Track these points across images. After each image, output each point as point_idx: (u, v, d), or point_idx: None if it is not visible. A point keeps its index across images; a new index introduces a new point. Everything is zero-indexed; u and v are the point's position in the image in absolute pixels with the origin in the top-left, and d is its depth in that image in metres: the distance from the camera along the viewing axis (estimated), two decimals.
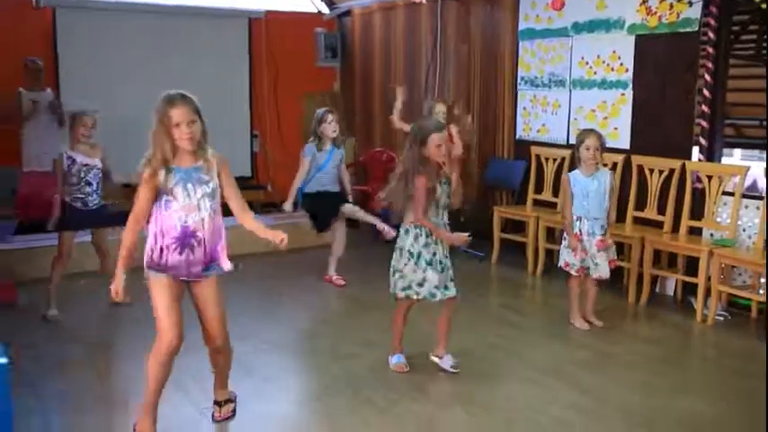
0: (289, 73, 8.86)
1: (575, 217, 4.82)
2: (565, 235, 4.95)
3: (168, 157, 3.03)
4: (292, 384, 4.14)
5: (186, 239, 3.10)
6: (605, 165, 5.09)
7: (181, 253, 3.11)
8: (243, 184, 8.83)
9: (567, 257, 4.90)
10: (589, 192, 4.75)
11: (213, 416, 3.51)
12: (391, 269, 4.07)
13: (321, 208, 5.88)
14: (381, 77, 8.79)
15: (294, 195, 5.84)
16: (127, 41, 7.92)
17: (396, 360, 4.17)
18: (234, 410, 3.55)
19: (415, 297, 4.01)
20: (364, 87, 9.12)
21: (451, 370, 4.12)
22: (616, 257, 5.02)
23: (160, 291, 3.12)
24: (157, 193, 3.07)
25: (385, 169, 8.47)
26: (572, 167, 6.27)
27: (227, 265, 3.26)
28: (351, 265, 6.27)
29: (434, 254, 3.97)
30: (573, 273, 4.89)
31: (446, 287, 4.00)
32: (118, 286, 3.09)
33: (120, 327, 5.00)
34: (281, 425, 3.61)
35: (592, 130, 4.84)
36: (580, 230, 4.81)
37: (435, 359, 4.19)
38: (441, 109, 6.09)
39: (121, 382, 4.13)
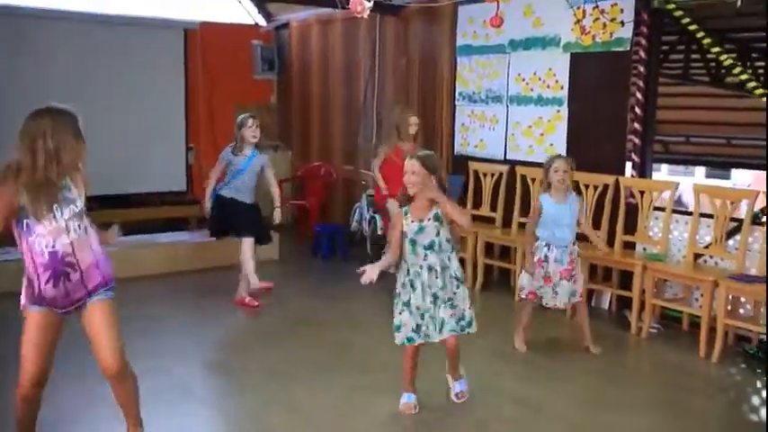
0: (225, 85, 8.73)
1: (542, 243, 4.69)
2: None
3: (39, 178, 2.78)
4: (231, 405, 4.03)
5: (57, 266, 2.84)
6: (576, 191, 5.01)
7: (55, 284, 2.85)
8: (177, 199, 8.73)
9: (522, 280, 4.80)
10: (560, 218, 4.64)
11: None
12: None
13: (226, 214, 5.60)
14: (319, 91, 8.74)
15: (209, 199, 5.61)
16: (57, 51, 7.66)
17: (404, 400, 3.89)
18: None
19: (397, 342, 3.81)
20: (302, 100, 9.06)
21: (453, 398, 4.00)
22: (580, 292, 4.77)
23: (31, 330, 2.89)
24: (17, 216, 2.80)
25: (323, 183, 8.45)
26: (510, 184, 6.39)
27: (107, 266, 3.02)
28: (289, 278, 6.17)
29: (410, 297, 3.73)
30: (522, 296, 4.82)
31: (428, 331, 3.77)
32: None
33: None
34: None
35: (560, 155, 4.80)
36: (546, 256, 4.67)
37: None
38: (414, 121, 6.05)
39: None
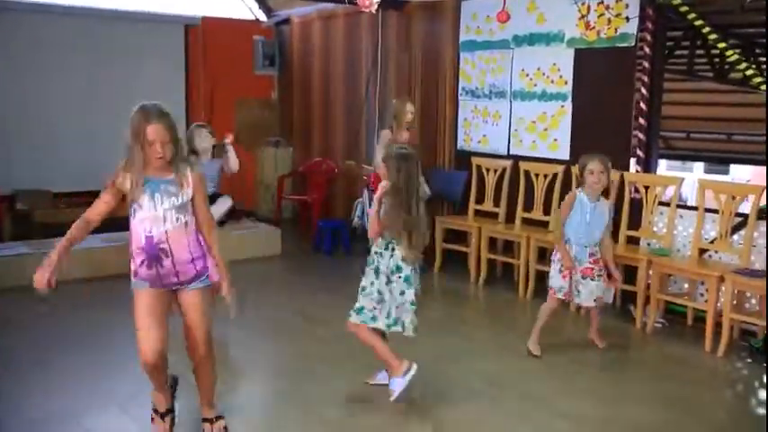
0: (226, 81, 8.72)
1: (564, 237, 4.63)
2: (555, 258, 4.70)
3: (139, 169, 2.98)
4: (240, 398, 4.04)
5: (152, 251, 3.04)
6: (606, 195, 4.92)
7: (150, 267, 3.06)
8: None
9: (555, 281, 4.65)
10: (590, 218, 4.55)
11: None
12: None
13: None
14: (320, 86, 8.73)
15: None
16: (60, 46, 7.67)
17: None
18: (226, 428, 3.41)
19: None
20: (303, 96, 9.05)
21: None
22: (603, 295, 4.74)
23: (139, 305, 3.08)
24: (129, 201, 3.04)
25: (324, 179, 8.44)
26: (513, 180, 6.40)
27: (215, 276, 3.20)
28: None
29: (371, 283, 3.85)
30: (560, 296, 4.65)
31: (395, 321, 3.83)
32: (42, 272, 2.91)
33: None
34: None
35: (595, 155, 4.57)
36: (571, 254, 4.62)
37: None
38: (411, 109, 6.06)
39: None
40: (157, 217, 3.03)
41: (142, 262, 3.06)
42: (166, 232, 3.04)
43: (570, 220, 4.58)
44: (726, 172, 17.16)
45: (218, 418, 3.41)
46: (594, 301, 4.67)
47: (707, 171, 17.93)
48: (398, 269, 3.83)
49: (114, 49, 7.96)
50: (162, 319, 3.10)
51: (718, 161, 14.32)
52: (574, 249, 4.60)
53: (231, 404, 3.71)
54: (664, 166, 16.69)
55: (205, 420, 3.39)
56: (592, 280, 4.61)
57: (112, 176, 3.03)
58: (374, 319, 3.82)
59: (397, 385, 3.79)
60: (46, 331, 4.95)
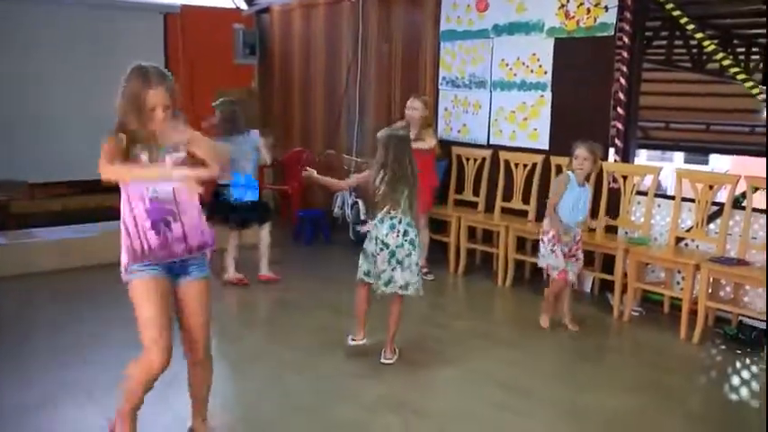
0: (206, 70, 8.63)
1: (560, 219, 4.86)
2: (545, 237, 4.89)
3: (138, 132, 2.72)
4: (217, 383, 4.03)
5: (158, 214, 2.77)
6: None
7: (157, 232, 2.76)
8: None
9: (549, 260, 4.86)
10: (577, 201, 4.80)
11: None
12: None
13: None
14: (301, 76, 8.70)
15: None
16: (34, 34, 7.56)
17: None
18: None
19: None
20: (283, 86, 9.01)
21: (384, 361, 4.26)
22: (574, 278, 5.01)
23: (143, 297, 2.77)
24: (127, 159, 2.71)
25: (305, 168, 8.39)
26: (493, 169, 6.42)
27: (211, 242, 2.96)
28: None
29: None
30: (555, 276, 4.85)
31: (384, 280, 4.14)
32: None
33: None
34: None
35: (584, 142, 4.84)
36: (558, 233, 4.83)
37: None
38: (414, 105, 5.98)
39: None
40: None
41: (148, 228, 2.75)
42: (174, 190, 2.77)
43: (562, 202, 4.82)
44: (705, 162, 17.32)
45: None
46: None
47: (686, 161, 18.10)
48: (405, 233, 4.12)
49: (91, 37, 7.86)
50: (168, 313, 2.82)
51: (697, 151, 14.44)
52: (562, 229, 4.83)
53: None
54: (644, 156, 16.82)
55: None
56: (572, 262, 4.87)
57: (109, 154, 2.67)
58: (367, 274, 4.22)
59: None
60: (20, 321, 4.92)
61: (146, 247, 2.78)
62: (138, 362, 2.80)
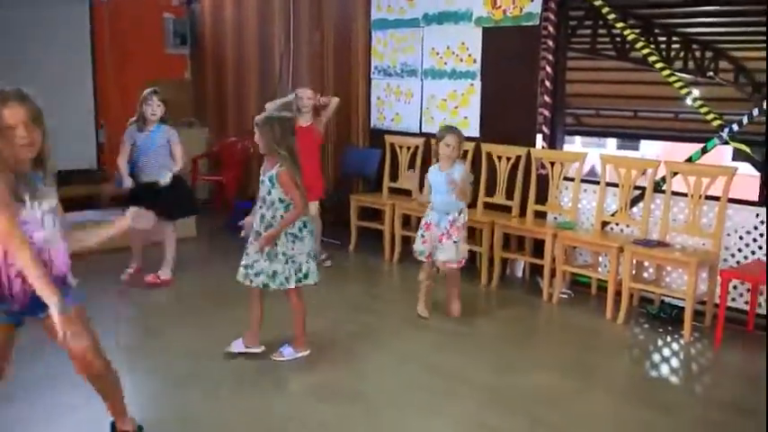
0: (136, 60, 8.48)
1: (429, 208, 4.93)
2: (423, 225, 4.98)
3: (9, 162, 2.55)
4: (143, 381, 3.99)
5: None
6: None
7: (24, 280, 2.58)
8: (89, 177, 8.44)
9: (415, 245, 4.99)
10: (440, 185, 4.80)
11: None
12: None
13: (149, 201, 5.42)
14: (234, 65, 8.61)
15: (126, 172, 5.42)
16: None
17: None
18: None
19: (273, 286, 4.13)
20: (216, 76, 8.90)
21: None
22: (460, 257, 4.90)
23: None
24: None
25: (240, 159, 8.34)
26: (426, 157, 6.47)
27: (72, 280, 2.80)
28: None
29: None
30: (423, 259, 4.96)
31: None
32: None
33: None
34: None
35: (451, 128, 4.94)
36: (430, 220, 4.89)
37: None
38: (306, 94, 5.97)
39: None
40: (37, 221, 2.62)
41: (16, 274, 2.59)
42: (45, 238, 2.64)
43: (432, 192, 4.88)
44: (636, 148, 17.76)
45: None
46: (446, 263, 4.87)
47: (619, 147, 18.53)
48: (305, 224, 4.12)
49: (14, 27, 7.59)
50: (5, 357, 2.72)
51: (625, 137, 14.81)
52: (436, 216, 4.86)
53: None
54: (579, 143, 17.17)
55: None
56: (448, 241, 4.82)
57: (4, 201, 2.50)
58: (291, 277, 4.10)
59: (290, 355, 4.20)
60: None
61: (10, 291, 2.63)
62: None
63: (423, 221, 4.98)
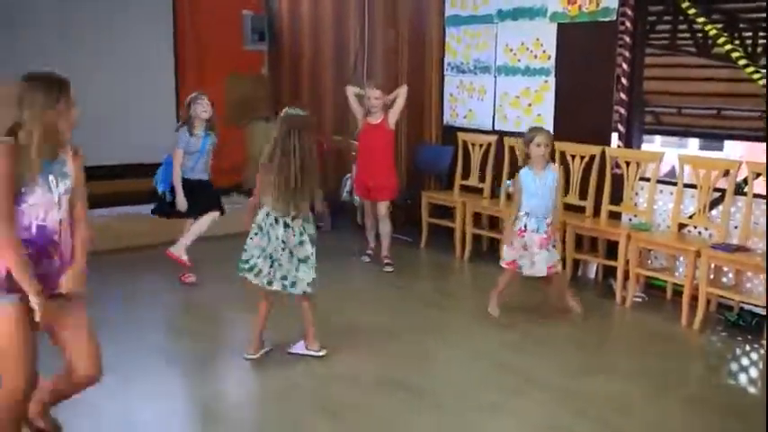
0: (216, 56, 8.67)
1: (522, 212, 4.79)
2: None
3: (63, 143, 2.66)
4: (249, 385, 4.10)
5: (44, 244, 2.62)
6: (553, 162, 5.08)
7: (37, 263, 2.59)
8: None
9: (503, 251, 4.91)
10: (537, 189, 4.74)
11: None
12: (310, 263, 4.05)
13: (194, 197, 5.50)
14: (310, 62, 8.71)
15: (181, 190, 5.43)
16: (40, 17, 7.56)
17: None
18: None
19: (291, 291, 4.08)
20: (293, 72, 9.02)
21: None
22: (555, 263, 4.84)
23: (7, 325, 2.55)
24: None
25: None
26: (498, 155, 6.42)
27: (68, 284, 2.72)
28: None
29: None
30: (503, 265, 4.90)
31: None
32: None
33: None
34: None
35: (541, 128, 4.88)
36: (525, 226, 4.77)
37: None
38: (373, 95, 6.00)
39: None
40: (52, 202, 2.63)
41: (29, 258, 2.55)
42: (60, 221, 2.65)
43: (524, 197, 4.77)
44: (720, 148, 17.10)
45: None
46: (551, 268, 4.81)
47: (702, 147, 17.87)
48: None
49: (99, 22, 7.87)
50: (33, 341, 2.65)
51: (706, 137, 14.22)
52: (533, 221, 4.75)
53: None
54: (658, 143, 16.66)
55: None
56: (547, 251, 4.76)
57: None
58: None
59: (300, 349, 4.18)
60: None
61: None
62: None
63: (514, 227, 4.82)
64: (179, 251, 5.54)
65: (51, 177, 2.62)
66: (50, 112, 2.59)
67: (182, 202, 5.43)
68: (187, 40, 8.57)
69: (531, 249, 4.76)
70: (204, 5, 8.62)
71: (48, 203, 2.61)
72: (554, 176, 4.77)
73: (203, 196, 5.57)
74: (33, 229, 2.59)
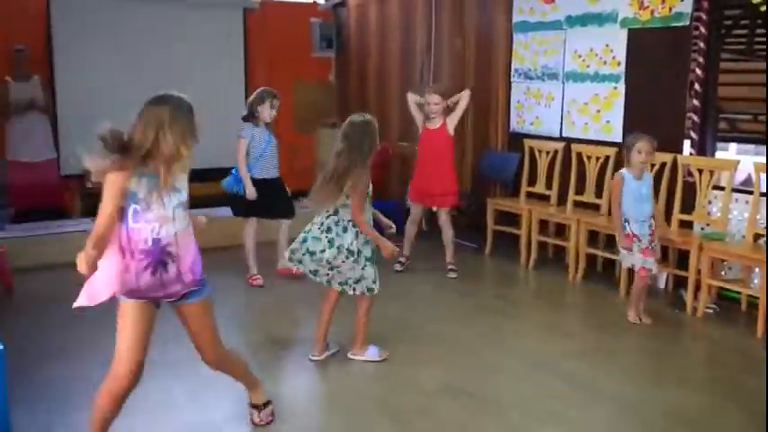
0: (284, 63, 8.86)
1: (624, 219, 4.85)
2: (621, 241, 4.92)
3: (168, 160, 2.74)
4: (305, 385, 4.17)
5: (159, 256, 2.77)
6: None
7: (154, 272, 2.77)
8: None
9: (638, 262, 4.88)
10: (640, 195, 4.81)
11: (252, 419, 3.43)
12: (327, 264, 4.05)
13: (264, 197, 5.59)
14: (376, 68, 8.80)
15: (249, 180, 5.51)
16: (115, 31, 7.88)
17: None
18: (273, 413, 3.45)
19: (351, 293, 4.09)
20: (360, 79, 9.13)
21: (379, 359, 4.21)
22: (649, 265, 4.88)
23: (127, 320, 2.80)
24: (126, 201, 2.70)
25: (379, 161, 8.49)
26: (565, 162, 6.35)
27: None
28: None
29: (373, 250, 4.09)
30: (642, 274, 4.88)
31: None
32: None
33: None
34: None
35: (643, 134, 4.87)
36: (631, 231, 4.84)
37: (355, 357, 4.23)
38: (433, 100, 6.01)
39: None
40: (167, 217, 2.77)
41: (145, 268, 2.74)
42: (176, 233, 2.80)
43: (624, 199, 4.81)
44: None
45: (266, 404, 3.44)
46: (650, 271, 4.89)
47: None
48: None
49: (172, 33, 8.14)
50: (147, 339, 2.88)
51: None
52: (635, 227, 4.81)
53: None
54: (733, 150, 16.13)
55: (252, 406, 3.43)
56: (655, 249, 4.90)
57: (107, 179, 2.67)
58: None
59: (372, 356, 4.20)
60: None
61: (140, 283, 2.77)
62: (106, 380, 2.87)
63: (625, 232, 4.86)
64: (284, 263, 5.55)
65: (164, 193, 2.77)
66: (189, 139, 2.79)
67: (251, 192, 5.50)
68: (257, 49, 8.76)
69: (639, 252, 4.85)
70: (273, 14, 8.81)
71: (162, 218, 2.76)
72: (648, 185, 4.88)
73: (276, 199, 5.67)
74: (149, 243, 2.75)
